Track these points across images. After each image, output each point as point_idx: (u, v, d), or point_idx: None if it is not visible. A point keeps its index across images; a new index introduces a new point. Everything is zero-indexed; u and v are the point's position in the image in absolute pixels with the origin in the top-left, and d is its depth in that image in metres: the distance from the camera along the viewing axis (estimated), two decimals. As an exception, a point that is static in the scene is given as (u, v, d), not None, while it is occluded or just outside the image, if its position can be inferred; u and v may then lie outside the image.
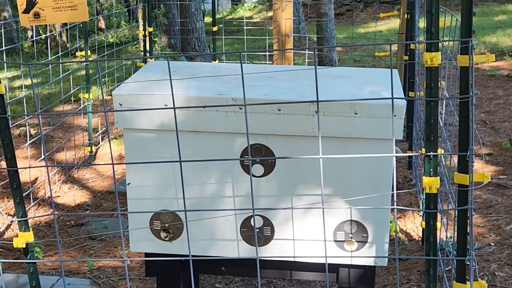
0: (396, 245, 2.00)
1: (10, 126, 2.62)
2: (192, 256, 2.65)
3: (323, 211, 2.09)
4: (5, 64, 6.24)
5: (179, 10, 10.34)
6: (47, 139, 6.60)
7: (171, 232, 2.71)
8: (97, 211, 4.97)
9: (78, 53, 6.13)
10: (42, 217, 4.71)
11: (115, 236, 4.45)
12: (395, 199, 2.10)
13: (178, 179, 2.64)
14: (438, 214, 2.75)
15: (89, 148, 6.04)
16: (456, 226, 2.39)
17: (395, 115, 2.45)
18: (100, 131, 6.67)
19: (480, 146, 5.59)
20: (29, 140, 5.15)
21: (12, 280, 3.66)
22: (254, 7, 20.84)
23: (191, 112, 2.57)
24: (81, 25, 5.96)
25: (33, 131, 6.63)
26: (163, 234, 2.72)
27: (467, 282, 2.36)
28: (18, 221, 2.58)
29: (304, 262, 2.74)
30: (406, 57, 5.53)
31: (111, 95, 7.98)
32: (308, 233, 2.66)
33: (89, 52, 5.92)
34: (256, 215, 2.66)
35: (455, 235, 2.40)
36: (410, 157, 5.37)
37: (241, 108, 2.53)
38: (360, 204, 2.57)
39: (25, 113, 6.41)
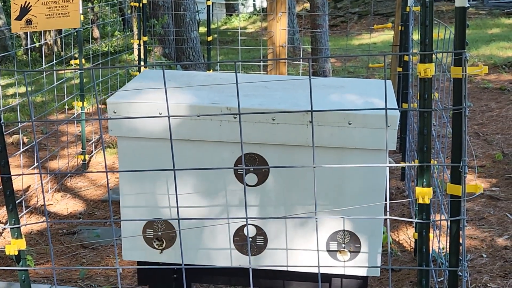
0: (389, 255, 2.00)
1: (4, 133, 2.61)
2: (185, 265, 2.65)
3: (316, 221, 2.10)
4: (-1, 71, 6.22)
5: (174, 19, 10.36)
6: (40, 147, 6.58)
7: (164, 240, 2.71)
8: (89, 220, 4.95)
9: (72, 61, 6.14)
10: (35, 224, 4.69)
11: (107, 245, 4.44)
12: (388, 209, 2.10)
13: (171, 187, 2.64)
14: (431, 225, 2.75)
15: (82, 157, 6.03)
16: (448, 237, 2.40)
17: (388, 126, 2.46)
18: (93, 140, 6.66)
19: (473, 158, 5.61)
20: (22, 148, 5.14)
21: (3, 288, 3.64)
22: (249, 17, 20.91)
23: (185, 120, 2.58)
24: (76, 34, 5.96)
25: (25, 139, 6.61)
26: (156, 243, 2.71)
27: (459, 293, 2.37)
28: (11, 228, 2.57)
29: (297, 271, 2.74)
30: (400, 69, 5.55)
31: (104, 104, 7.99)
32: (301, 243, 2.66)
33: (83, 60, 5.92)
34: (249, 224, 2.67)
35: (448, 246, 2.40)
36: (403, 168, 5.39)
37: (235, 117, 2.53)
38: (353, 214, 2.58)
39: (19, 120, 6.40)
